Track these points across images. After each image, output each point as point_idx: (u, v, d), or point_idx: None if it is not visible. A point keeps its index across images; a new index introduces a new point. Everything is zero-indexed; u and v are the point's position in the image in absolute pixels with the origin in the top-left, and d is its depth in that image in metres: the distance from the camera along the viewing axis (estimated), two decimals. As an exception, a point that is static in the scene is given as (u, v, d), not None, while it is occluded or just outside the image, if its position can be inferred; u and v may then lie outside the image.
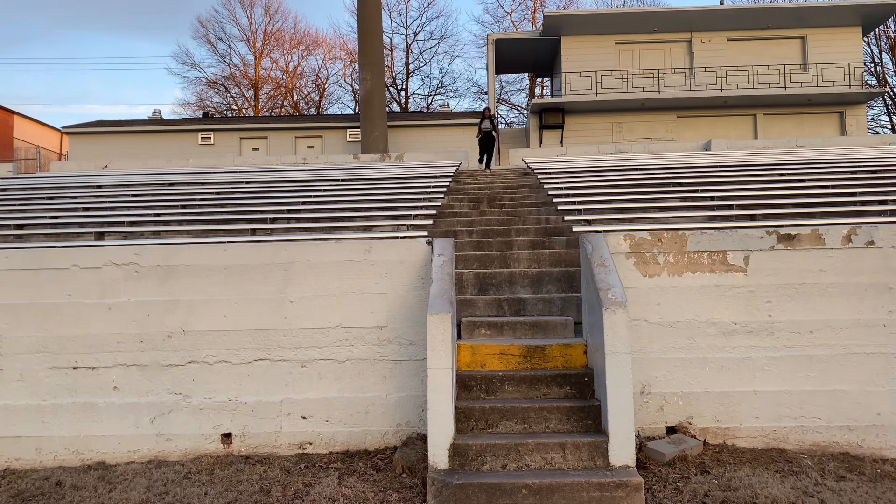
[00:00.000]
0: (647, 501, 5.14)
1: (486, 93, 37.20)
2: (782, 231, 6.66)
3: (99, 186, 12.79)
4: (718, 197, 10.01)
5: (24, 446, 6.61)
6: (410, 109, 42.09)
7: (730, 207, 9.42)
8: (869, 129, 30.69)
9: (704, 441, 6.33)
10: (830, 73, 24.91)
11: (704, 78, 25.33)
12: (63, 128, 27.79)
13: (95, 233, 9.00)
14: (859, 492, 5.28)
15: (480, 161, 17.42)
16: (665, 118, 25.68)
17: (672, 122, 25.69)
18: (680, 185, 11.17)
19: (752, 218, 8.82)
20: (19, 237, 9.14)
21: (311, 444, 6.56)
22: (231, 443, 6.59)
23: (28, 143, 30.17)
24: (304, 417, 6.58)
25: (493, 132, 17.14)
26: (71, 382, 6.70)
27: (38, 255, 6.92)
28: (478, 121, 19.04)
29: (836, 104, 25.26)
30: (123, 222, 9.67)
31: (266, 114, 41.38)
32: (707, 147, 16.57)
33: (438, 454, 5.48)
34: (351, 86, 43.82)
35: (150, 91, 70.38)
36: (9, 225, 9.54)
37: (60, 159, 29.29)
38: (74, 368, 6.71)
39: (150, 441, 6.60)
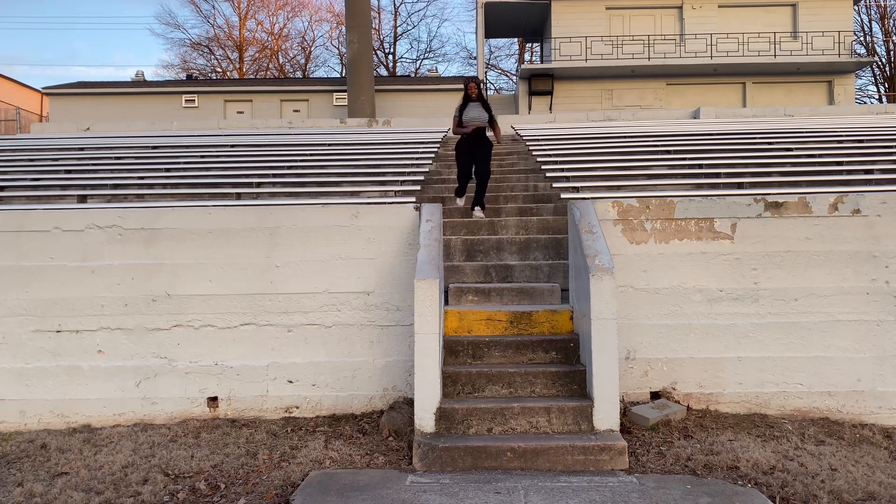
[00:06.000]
0: (631, 465, 5.21)
1: (474, 57, 36.81)
2: (770, 199, 6.67)
3: (81, 149, 12.57)
4: (706, 165, 10.00)
5: (7, 409, 6.58)
6: (398, 74, 41.59)
7: (717, 175, 9.42)
8: (857, 98, 30.69)
9: (688, 406, 6.41)
10: (820, 41, 24.80)
11: (695, 45, 25.13)
12: (44, 89, 27.19)
13: (78, 195, 8.86)
14: (838, 455, 5.38)
15: (460, 192, 9.20)
16: (654, 85, 25.54)
17: (661, 90, 25.55)
18: (668, 152, 11.14)
19: (740, 186, 8.83)
20: None
21: (297, 407, 6.58)
22: (217, 406, 6.59)
23: (7, 105, 29.55)
24: (290, 382, 6.59)
25: (489, 126, 8.97)
26: (55, 346, 6.65)
27: (20, 217, 6.81)
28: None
29: (825, 73, 25.19)
30: (106, 185, 9.53)
31: (251, 76, 40.73)
32: (696, 115, 16.51)
33: (425, 418, 5.51)
34: (337, 49, 43.23)
35: (135, 53, 69.12)
36: (-11, 187, 9.36)
37: (41, 121, 28.73)
38: (58, 332, 6.66)
39: (136, 404, 6.59)
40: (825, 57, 24.52)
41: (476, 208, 9.01)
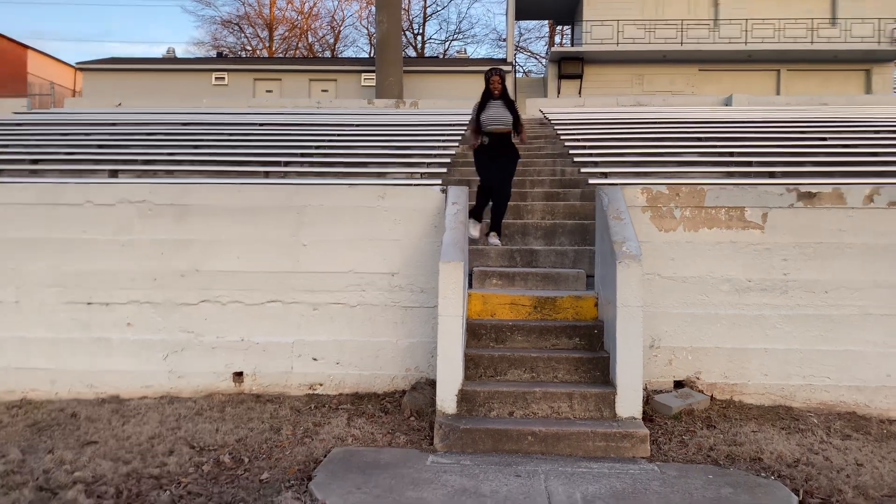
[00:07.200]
0: (652, 453, 5.19)
1: (504, 39, 36.48)
2: (802, 189, 6.55)
3: (113, 124, 12.72)
4: (738, 153, 9.84)
5: (39, 378, 6.73)
6: (427, 55, 41.38)
7: (749, 164, 9.27)
8: (895, 88, 29.94)
9: (712, 396, 6.36)
10: (859, 28, 24.17)
11: (729, 30, 24.66)
12: (77, 64, 27.56)
13: (109, 170, 8.99)
14: (864, 451, 5.31)
15: (477, 213, 7.29)
16: (686, 71, 25.12)
17: (693, 76, 25.14)
18: (699, 140, 10.97)
19: (772, 175, 8.68)
20: (34, 172, 9.14)
21: (321, 385, 6.65)
22: (242, 381, 6.68)
23: (42, 79, 29.97)
24: (314, 359, 6.65)
25: (514, 131, 7.07)
26: (85, 317, 6.77)
27: (54, 190, 6.93)
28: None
29: (863, 62, 24.59)
30: (137, 160, 9.65)
31: (280, 55, 40.80)
32: (728, 102, 16.22)
33: (447, 399, 5.54)
34: (367, 29, 43.07)
35: (166, 30, 69.56)
36: (24, 160, 9.53)
37: (74, 96, 29.07)
38: (89, 304, 6.78)
39: (163, 377, 6.70)
40: (864, 45, 23.92)
41: (491, 234, 7.32)
